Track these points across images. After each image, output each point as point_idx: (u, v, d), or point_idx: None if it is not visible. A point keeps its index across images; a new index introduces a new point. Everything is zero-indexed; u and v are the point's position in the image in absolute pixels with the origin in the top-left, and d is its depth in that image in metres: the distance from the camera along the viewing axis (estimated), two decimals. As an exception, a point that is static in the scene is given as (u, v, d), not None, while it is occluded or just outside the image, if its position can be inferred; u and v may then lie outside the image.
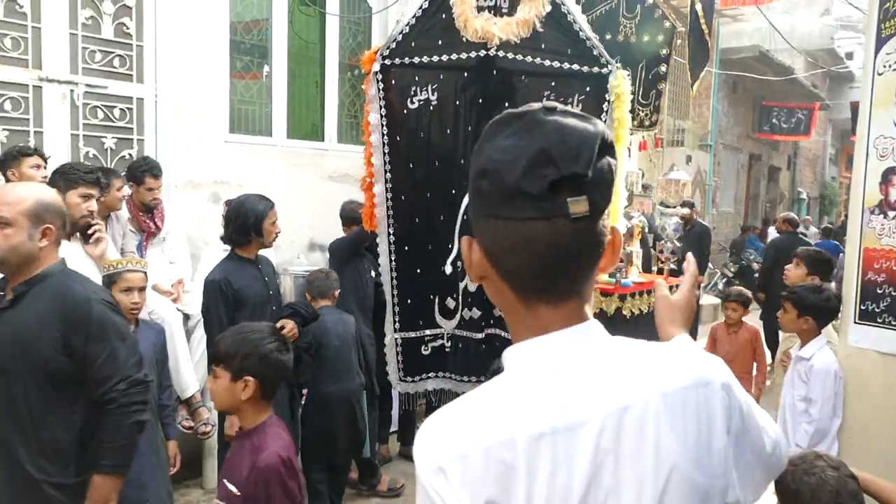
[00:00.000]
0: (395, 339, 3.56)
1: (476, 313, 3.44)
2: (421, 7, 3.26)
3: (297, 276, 4.79)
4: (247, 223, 3.27)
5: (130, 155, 4.53)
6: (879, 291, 2.73)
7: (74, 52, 4.28)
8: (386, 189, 3.43)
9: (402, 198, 3.45)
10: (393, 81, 3.34)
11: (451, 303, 3.49)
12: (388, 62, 3.31)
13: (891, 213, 2.70)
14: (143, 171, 4.02)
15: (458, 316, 3.50)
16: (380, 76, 3.33)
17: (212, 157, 4.95)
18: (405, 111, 3.38)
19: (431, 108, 3.35)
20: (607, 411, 0.79)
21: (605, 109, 3.14)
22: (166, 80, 4.67)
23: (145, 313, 3.32)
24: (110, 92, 4.45)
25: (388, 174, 3.42)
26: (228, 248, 4.36)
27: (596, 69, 3.12)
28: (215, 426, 3.59)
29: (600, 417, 0.79)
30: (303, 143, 5.73)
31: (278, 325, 3.21)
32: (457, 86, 3.34)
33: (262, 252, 3.48)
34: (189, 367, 3.87)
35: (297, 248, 5.43)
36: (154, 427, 2.97)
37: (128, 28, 4.52)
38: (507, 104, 3.18)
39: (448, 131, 3.38)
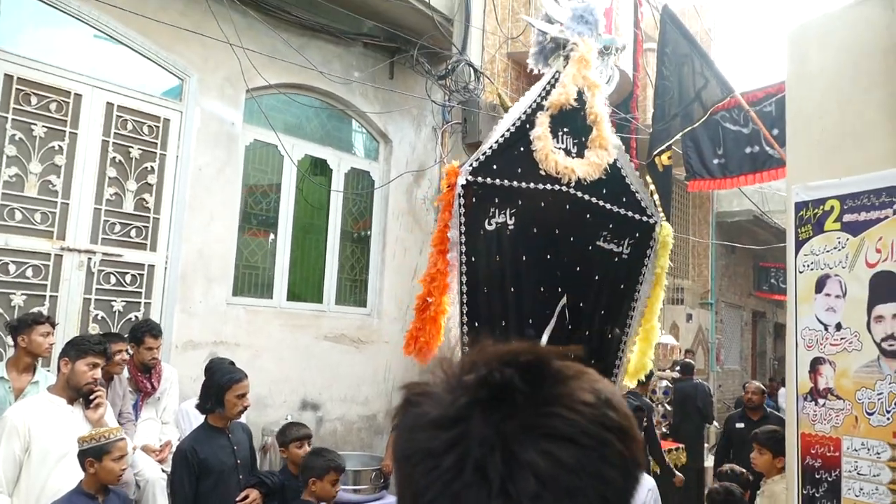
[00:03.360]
0: None
1: None
2: (503, 135, 3.40)
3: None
4: (210, 392, 3.37)
5: (136, 317, 4.87)
6: (818, 476, 2.86)
7: (96, 224, 4.76)
8: (462, 312, 3.29)
9: (477, 324, 3.29)
10: (473, 199, 3.31)
11: None
12: (471, 178, 3.32)
13: (821, 401, 2.88)
14: (144, 331, 4.34)
15: None
16: (461, 191, 3.28)
17: (213, 319, 5.28)
18: (482, 231, 3.33)
19: (508, 231, 3.36)
20: None
21: (648, 255, 3.58)
22: (178, 248, 5.11)
23: (130, 473, 3.49)
24: (125, 259, 4.87)
25: (464, 296, 3.28)
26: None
27: (644, 218, 3.56)
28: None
29: None
30: (302, 305, 6.07)
31: (242, 494, 3.34)
32: (534, 214, 3.39)
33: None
34: (168, 528, 3.95)
35: (289, 408, 5.61)
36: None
37: (147, 202, 5.03)
38: (572, 238, 3.50)
39: (524, 258, 3.38)
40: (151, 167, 5.07)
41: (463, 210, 3.27)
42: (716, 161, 5.61)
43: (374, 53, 6.60)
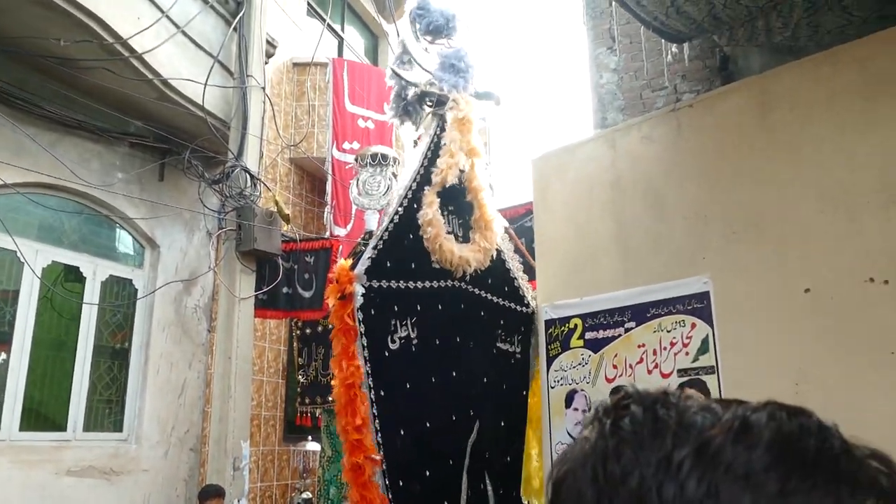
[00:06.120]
0: None
1: None
2: (392, 220, 2.85)
3: None
4: None
5: None
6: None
7: None
8: (383, 473, 2.52)
9: (402, 483, 2.58)
10: (372, 311, 2.66)
11: None
12: (367, 284, 2.65)
13: (575, 515, 2.97)
14: None
15: None
16: (360, 302, 2.60)
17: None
18: (386, 353, 2.67)
19: (413, 348, 2.76)
20: None
21: (533, 346, 3.34)
22: None
23: None
24: None
25: (381, 449, 2.54)
26: None
27: (522, 309, 3.30)
28: None
29: None
30: (39, 436, 5.24)
31: None
32: (434, 321, 2.86)
33: None
34: None
35: (14, 562, 4.71)
36: None
37: None
38: (471, 344, 2.97)
39: (433, 380, 2.78)
40: None
41: (363, 328, 2.58)
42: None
43: (142, 154, 6.21)
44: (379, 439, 2.55)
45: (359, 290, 2.65)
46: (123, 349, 6.09)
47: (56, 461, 5.19)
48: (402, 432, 2.66)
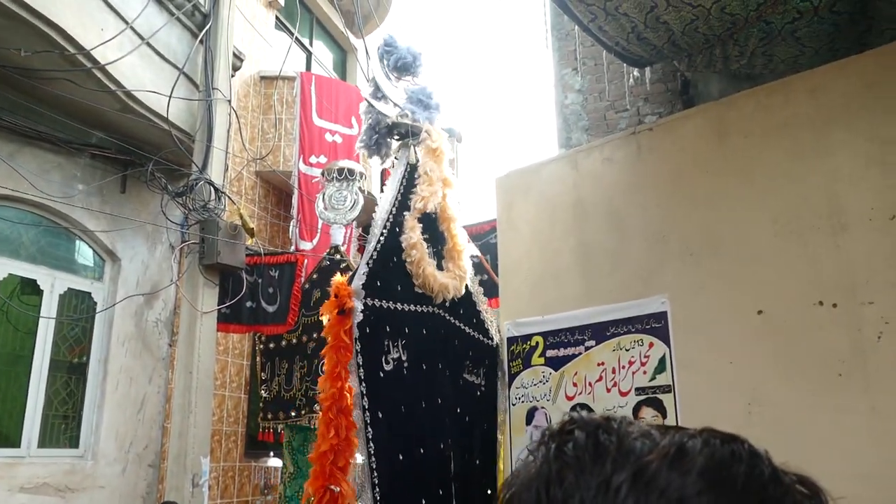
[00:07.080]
0: None
1: None
2: (379, 240, 2.80)
3: None
4: None
5: None
6: None
7: None
8: (374, 499, 2.44)
9: None
10: (368, 329, 2.61)
11: None
12: (363, 301, 2.62)
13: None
14: None
15: None
16: (359, 318, 2.55)
17: None
18: (381, 374, 2.63)
19: (405, 371, 2.70)
20: None
21: (498, 385, 3.31)
22: None
23: None
24: None
25: (375, 475, 2.44)
26: None
27: (487, 341, 3.28)
28: None
29: None
30: (-9, 452, 5.11)
31: None
32: (421, 345, 2.85)
33: None
34: None
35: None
36: None
37: None
38: (447, 372, 2.99)
39: (423, 404, 2.74)
40: None
41: (359, 346, 2.53)
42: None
43: (104, 165, 6.12)
44: (373, 464, 2.48)
45: (358, 305, 2.59)
46: (81, 363, 5.96)
47: (9, 478, 5.05)
48: (398, 458, 2.60)
